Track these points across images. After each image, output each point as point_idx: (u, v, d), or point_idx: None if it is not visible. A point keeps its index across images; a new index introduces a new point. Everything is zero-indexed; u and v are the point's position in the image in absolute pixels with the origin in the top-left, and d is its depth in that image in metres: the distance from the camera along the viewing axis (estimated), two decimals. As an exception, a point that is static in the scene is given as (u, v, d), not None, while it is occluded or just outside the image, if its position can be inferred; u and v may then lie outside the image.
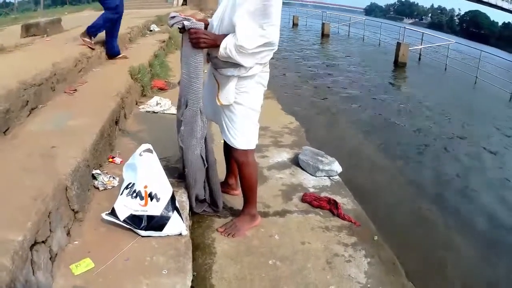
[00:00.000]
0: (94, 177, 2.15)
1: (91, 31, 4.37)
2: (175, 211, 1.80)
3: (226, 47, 1.73)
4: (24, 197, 1.49)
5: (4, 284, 1.13)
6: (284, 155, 3.24)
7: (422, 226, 3.56)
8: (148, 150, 1.89)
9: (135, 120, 3.35)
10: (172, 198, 1.84)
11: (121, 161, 2.41)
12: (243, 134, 2.00)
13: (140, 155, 1.87)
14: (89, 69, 3.76)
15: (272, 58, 1.91)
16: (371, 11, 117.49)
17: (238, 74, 1.85)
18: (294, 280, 1.84)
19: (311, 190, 2.73)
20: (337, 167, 3.00)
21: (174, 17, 1.83)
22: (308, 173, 2.97)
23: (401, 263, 2.10)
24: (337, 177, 2.96)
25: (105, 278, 1.51)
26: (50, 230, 1.52)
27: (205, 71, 2.02)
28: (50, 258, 1.50)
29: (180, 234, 1.80)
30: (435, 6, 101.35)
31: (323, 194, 2.65)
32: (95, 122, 2.41)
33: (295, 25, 25.79)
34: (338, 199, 2.58)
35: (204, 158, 2.10)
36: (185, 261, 1.63)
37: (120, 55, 4.75)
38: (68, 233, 1.71)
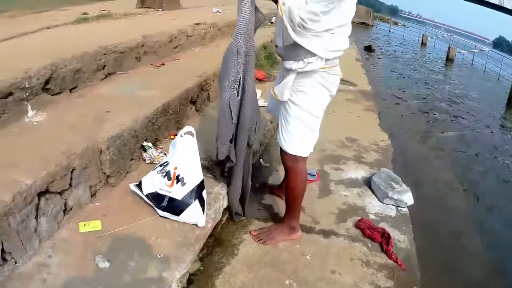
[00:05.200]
0: (144, 149, 2.17)
1: None
2: (197, 200, 1.71)
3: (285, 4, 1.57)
4: (54, 150, 1.55)
5: None
6: (360, 173, 2.90)
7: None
8: (189, 133, 1.82)
9: (219, 105, 3.32)
10: (199, 187, 1.75)
11: (182, 141, 2.39)
12: (294, 138, 1.83)
13: (181, 136, 1.81)
14: (187, 47, 3.77)
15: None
16: (499, 44, 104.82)
17: (296, 67, 1.69)
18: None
19: (371, 216, 2.40)
20: (408, 198, 2.59)
21: None
22: (376, 197, 2.63)
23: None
24: (405, 209, 2.56)
25: (103, 242, 1.51)
26: (70, 185, 1.55)
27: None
28: (64, 211, 1.55)
29: (196, 224, 1.69)
30: None
31: (382, 224, 2.30)
32: (163, 96, 2.40)
33: (423, 44, 24.82)
34: (395, 233, 2.21)
35: (232, 112, 1.78)
36: (187, 252, 1.53)
37: None
38: (95, 194, 1.73)
